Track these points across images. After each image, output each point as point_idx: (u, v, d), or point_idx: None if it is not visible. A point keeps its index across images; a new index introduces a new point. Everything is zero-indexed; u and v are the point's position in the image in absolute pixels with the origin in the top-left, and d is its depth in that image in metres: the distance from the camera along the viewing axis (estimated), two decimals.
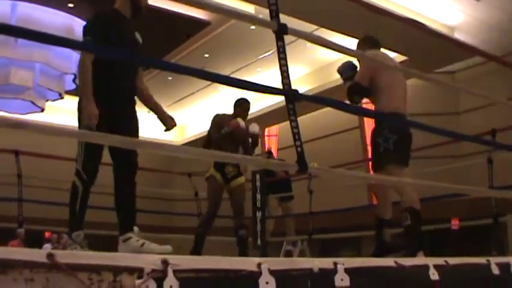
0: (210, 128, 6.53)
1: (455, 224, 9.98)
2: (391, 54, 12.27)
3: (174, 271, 1.80)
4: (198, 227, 6.52)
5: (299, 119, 2.71)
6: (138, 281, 1.75)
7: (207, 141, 6.54)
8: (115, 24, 3.87)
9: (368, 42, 5.08)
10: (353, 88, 4.86)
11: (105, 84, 3.72)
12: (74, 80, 12.48)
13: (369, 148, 5.15)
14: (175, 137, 19.91)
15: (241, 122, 6.31)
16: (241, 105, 6.54)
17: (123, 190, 4.06)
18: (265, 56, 13.87)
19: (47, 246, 10.43)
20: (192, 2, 2.69)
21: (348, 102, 4.79)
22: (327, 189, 10.55)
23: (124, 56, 3.24)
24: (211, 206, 6.41)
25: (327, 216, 10.14)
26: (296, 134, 2.70)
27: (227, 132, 6.29)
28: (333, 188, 10.96)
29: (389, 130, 4.52)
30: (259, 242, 7.39)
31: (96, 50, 3.23)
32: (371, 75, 4.72)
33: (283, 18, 2.76)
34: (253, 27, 11.24)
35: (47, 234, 11.75)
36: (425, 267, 2.79)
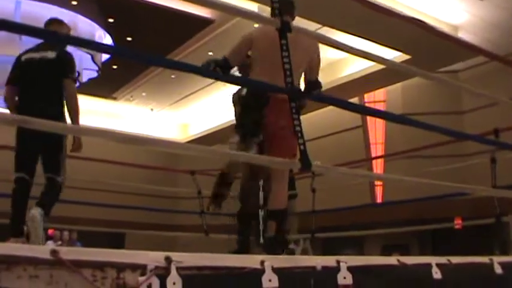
0: None
1: (458, 223, 9.98)
2: (394, 53, 12.29)
3: (177, 268, 1.80)
4: None
5: (302, 117, 2.71)
6: (141, 278, 1.75)
7: None
8: None
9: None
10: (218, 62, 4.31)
11: None
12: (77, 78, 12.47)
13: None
14: (179, 135, 19.95)
15: None
16: None
17: None
18: None
19: (50, 244, 10.44)
20: (196, 0, 2.69)
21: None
22: (330, 188, 10.54)
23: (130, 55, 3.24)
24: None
25: (329, 215, 10.12)
26: (299, 132, 2.70)
27: None
28: (335, 186, 10.95)
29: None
30: (261, 240, 7.36)
31: (104, 50, 3.24)
32: (247, 50, 4.30)
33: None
34: (256, 25, 11.24)
35: (49, 231, 11.77)
36: (428, 266, 2.78)
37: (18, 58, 4.99)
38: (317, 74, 4.37)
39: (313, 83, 4.28)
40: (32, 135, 4.53)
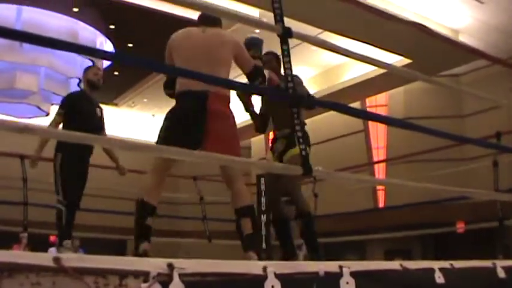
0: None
1: (460, 227, 9.99)
2: (395, 57, 12.29)
3: (180, 275, 1.80)
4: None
5: None
6: (144, 285, 1.75)
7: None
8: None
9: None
10: (164, 82, 4.36)
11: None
12: (78, 84, 12.55)
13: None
14: None
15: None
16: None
17: None
18: None
19: (52, 250, 10.42)
20: (198, 6, 2.70)
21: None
22: (332, 193, 10.53)
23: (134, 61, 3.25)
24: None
25: (331, 220, 10.11)
26: (300, 137, 2.70)
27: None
28: (337, 191, 10.95)
29: (165, 116, 4.04)
30: (264, 245, 7.37)
31: (102, 56, 3.24)
32: (170, 58, 4.18)
33: (288, 22, 2.77)
34: (257, 30, 11.27)
35: (51, 238, 11.75)
36: (431, 271, 2.78)
37: None
38: (250, 65, 4.23)
39: (253, 73, 4.26)
40: None
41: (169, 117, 3.98)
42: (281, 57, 2.72)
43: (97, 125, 5.92)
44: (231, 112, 4.06)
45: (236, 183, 3.99)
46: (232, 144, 3.89)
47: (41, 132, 2.02)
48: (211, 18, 4.23)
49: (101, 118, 6.14)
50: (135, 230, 3.85)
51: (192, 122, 3.86)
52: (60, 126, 5.78)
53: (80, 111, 5.77)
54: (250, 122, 5.41)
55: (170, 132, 3.84)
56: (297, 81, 5.27)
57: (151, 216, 3.84)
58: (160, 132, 3.94)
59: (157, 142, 3.89)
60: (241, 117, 5.46)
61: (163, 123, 3.98)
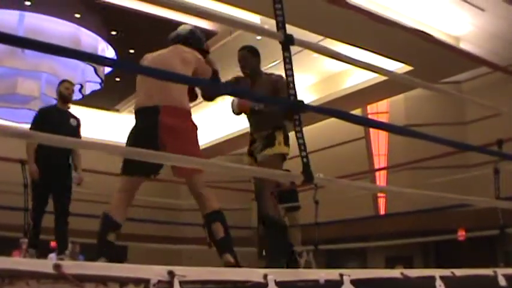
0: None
1: (461, 234, 9.97)
2: (397, 64, 12.29)
3: (180, 282, 1.80)
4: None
5: (305, 129, 2.70)
6: None
7: None
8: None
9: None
10: None
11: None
12: (80, 90, 12.57)
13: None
14: None
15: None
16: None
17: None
18: (271, 66, 13.89)
19: (52, 256, 10.41)
20: (199, 13, 2.70)
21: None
22: (333, 200, 10.52)
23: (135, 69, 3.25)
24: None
25: (332, 227, 10.11)
26: (302, 144, 2.69)
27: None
28: (338, 198, 10.94)
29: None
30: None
31: (99, 61, 3.24)
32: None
33: (289, 29, 2.76)
34: (259, 37, 11.29)
35: (52, 243, 11.72)
36: (432, 279, 2.77)
37: None
38: (210, 73, 4.46)
39: (213, 77, 4.43)
40: None
41: (128, 137, 4.05)
42: (283, 64, 2.71)
43: (70, 134, 5.93)
44: (191, 125, 4.13)
45: (200, 190, 4.03)
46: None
47: (39, 138, 2.02)
48: (173, 35, 4.52)
49: (77, 128, 6.51)
50: (97, 244, 3.93)
51: (146, 139, 3.83)
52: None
53: (51, 123, 6.14)
54: (248, 131, 5.41)
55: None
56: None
57: (113, 232, 3.94)
58: None
59: (123, 162, 4.02)
60: (238, 126, 5.50)
61: (126, 143, 4.04)
